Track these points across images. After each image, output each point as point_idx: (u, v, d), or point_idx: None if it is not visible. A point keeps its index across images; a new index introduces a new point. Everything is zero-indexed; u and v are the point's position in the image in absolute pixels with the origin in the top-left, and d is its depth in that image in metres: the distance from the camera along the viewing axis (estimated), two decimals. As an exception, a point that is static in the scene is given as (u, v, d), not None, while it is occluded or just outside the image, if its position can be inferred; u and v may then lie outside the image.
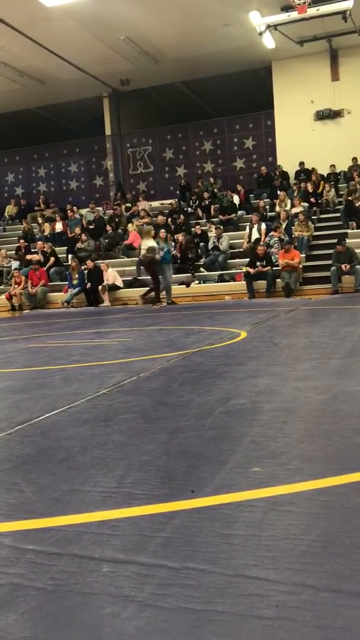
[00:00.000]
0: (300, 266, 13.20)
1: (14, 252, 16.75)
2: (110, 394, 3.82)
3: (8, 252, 16.77)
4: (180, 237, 14.75)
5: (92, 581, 1.54)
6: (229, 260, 14.51)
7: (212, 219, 16.08)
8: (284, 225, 14.38)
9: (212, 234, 15.00)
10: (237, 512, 1.91)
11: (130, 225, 16.56)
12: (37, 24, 13.77)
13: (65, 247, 16.26)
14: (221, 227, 15.04)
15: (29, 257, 15.98)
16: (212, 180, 18.21)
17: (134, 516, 1.93)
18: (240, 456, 2.43)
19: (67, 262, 15.27)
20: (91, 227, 16.81)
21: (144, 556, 1.65)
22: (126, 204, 17.99)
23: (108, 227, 16.62)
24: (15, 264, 16.06)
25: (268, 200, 16.38)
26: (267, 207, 16.05)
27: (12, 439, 2.90)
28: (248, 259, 13.66)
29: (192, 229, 15.63)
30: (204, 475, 2.24)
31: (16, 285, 15.12)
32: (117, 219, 17.11)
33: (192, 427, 2.92)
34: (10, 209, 20.32)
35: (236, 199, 16.72)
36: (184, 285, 13.99)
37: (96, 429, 3.00)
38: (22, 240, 16.86)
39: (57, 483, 2.24)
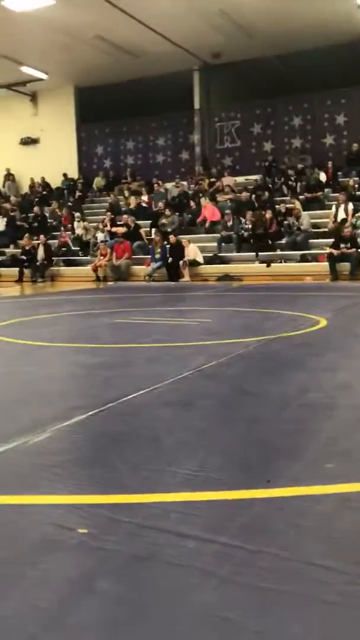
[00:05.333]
0: (387, 250, 12.89)
1: (100, 224, 17.28)
2: (191, 378, 4.05)
3: (95, 224, 17.31)
4: (267, 214, 14.68)
5: (180, 555, 1.78)
6: (312, 240, 14.34)
7: (298, 197, 15.85)
8: (372, 207, 14.01)
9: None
10: (310, 504, 2.09)
11: (202, 200, 16.52)
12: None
13: (149, 221, 16.60)
14: (299, 207, 14.79)
15: (114, 229, 16.47)
16: (301, 157, 17.89)
17: (214, 500, 2.15)
18: (315, 451, 2.60)
19: (151, 236, 15.62)
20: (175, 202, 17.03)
21: (224, 537, 1.87)
22: (210, 179, 18.04)
23: (192, 203, 16.78)
24: (100, 235, 16.60)
25: (357, 179, 15.95)
26: (356, 186, 15.64)
27: (106, 416, 3.20)
28: (332, 240, 13.48)
29: (277, 206, 15.52)
30: (279, 467, 2.42)
31: (101, 257, 15.67)
32: (200, 195, 17.22)
33: (270, 418, 3.10)
34: (98, 181, 20.87)
35: (323, 177, 16.38)
36: (264, 265, 14.01)
37: (179, 412, 3.25)
38: (108, 213, 17.35)
39: (147, 462, 2.50)
